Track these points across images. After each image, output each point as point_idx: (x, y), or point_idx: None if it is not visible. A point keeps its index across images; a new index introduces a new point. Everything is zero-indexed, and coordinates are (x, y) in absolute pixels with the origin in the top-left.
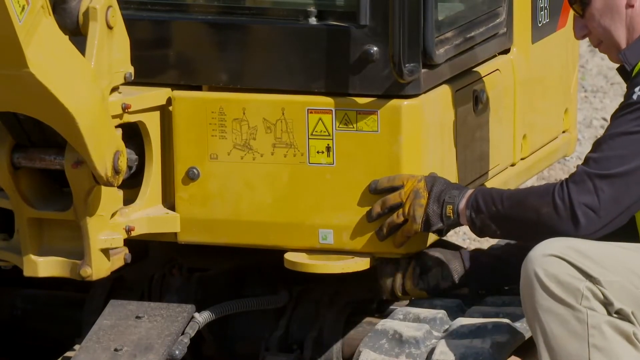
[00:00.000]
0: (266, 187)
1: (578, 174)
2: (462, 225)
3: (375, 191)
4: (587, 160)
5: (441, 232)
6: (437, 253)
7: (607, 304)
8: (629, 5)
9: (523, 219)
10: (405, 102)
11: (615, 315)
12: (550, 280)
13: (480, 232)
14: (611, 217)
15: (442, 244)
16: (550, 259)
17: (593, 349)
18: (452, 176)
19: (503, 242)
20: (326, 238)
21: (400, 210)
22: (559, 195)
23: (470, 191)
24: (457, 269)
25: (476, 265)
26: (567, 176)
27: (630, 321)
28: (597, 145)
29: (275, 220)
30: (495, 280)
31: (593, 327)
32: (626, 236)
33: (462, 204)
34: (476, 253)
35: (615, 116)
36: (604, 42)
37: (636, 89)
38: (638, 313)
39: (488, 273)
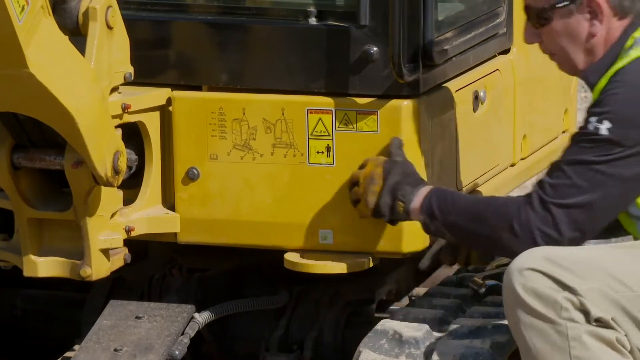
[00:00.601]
0: (266, 187)
1: (536, 202)
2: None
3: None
4: (543, 185)
5: (392, 223)
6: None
7: (586, 313)
8: (591, 35)
9: (481, 236)
10: (405, 102)
11: (595, 323)
12: (529, 295)
13: (433, 234)
14: (574, 242)
15: None
16: (528, 272)
17: None
18: (451, 176)
19: None
20: (326, 238)
21: (357, 190)
22: (518, 222)
23: (424, 190)
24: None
25: None
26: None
27: (611, 327)
28: (554, 169)
29: (275, 220)
30: None
31: (574, 339)
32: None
33: (416, 204)
34: None
35: (573, 140)
36: (557, 57)
37: (592, 119)
38: (620, 317)
39: None
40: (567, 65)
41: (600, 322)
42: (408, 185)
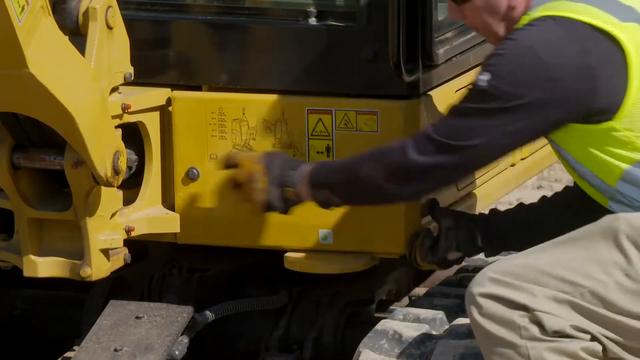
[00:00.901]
0: None
1: (420, 141)
2: (305, 201)
3: (222, 167)
4: (430, 125)
5: (287, 212)
6: (448, 222)
7: (543, 327)
8: (511, 8)
9: (368, 186)
10: (405, 102)
11: (555, 336)
12: (487, 321)
13: (325, 206)
14: (454, 178)
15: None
16: (480, 299)
17: None
18: None
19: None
20: (326, 238)
21: (242, 191)
22: (403, 163)
23: (306, 168)
24: (466, 237)
25: (489, 229)
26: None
27: (573, 337)
28: (444, 115)
29: (275, 220)
30: (508, 241)
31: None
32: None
33: (302, 184)
34: (490, 215)
35: (468, 89)
36: (481, 30)
37: (483, 75)
38: (581, 321)
39: (500, 235)
40: (491, 38)
41: (560, 334)
42: (290, 170)
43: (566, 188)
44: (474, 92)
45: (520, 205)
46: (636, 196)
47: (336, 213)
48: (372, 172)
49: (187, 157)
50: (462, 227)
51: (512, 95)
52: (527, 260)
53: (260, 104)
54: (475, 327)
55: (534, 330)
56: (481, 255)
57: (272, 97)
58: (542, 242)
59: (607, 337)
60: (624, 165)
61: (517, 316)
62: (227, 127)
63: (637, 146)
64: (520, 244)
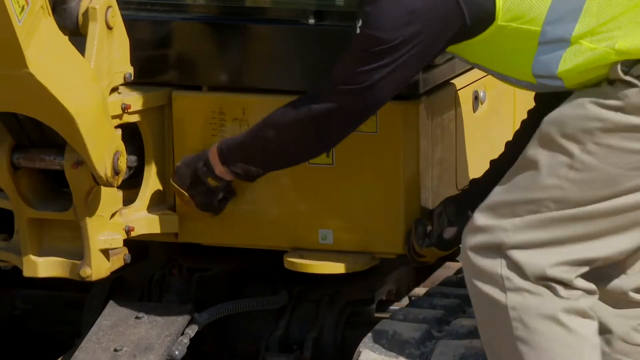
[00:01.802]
0: (266, 187)
1: (320, 87)
2: (231, 180)
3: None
4: (329, 76)
5: (226, 200)
6: (437, 209)
7: (525, 275)
8: None
9: (275, 148)
10: (404, 102)
11: (538, 283)
12: (475, 276)
13: (248, 178)
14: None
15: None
16: (469, 254)
17: (518, 342)
18: (451, 176)
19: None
20: (326, 238)
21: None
22: (303, 113)
23: (212, 150)
24: (455, 211)
25: (473, 197)
26: None
27: (555, 279)
28: (340, 60)
29: (275, 220)
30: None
31: (515, 320)
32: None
33: (216, 167)
34: (471, 184)
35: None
36: None
37: (358, 21)
38: (557, 251)
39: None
40: None
41: (541, 278)
42: (197, 163)
43: (522, 120)
44: (354, 39)
45: (492, 161)
46: (555, 85)
47: (336, 213)
48: (280, 134)
49: None
50: (449, 206)
51: (383, 38)
52: (493, 198)
53: (260, 103)
54: (469, 287)
55: (519, 280)
56: None
57: (272, 97)
58: None
59: (589, 258)
60: (530, 57)
61: (500, 266)
62: (227, 126)
63: (529, 33)
64: None
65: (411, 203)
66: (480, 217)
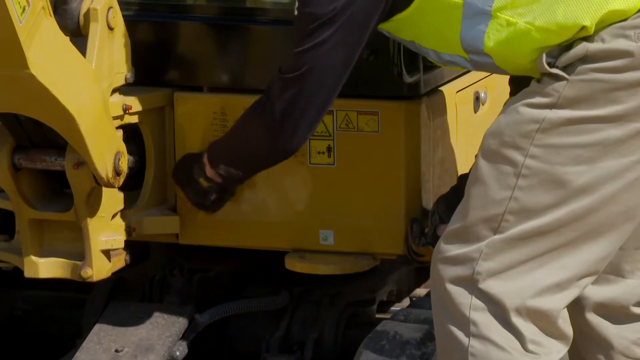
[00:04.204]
0: (267, 188)
1: (271, 84)
2: (223, 183)
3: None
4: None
5: (221, 200)
6: (432, 206)
7: (499, 307)
8: None
9: (247, 152)
10: (406, 103)
11: (518, 317)
12: (442, 309)
13: (235, 182)
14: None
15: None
16: (436, 284)
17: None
18: (452, 177)
19: None
20: (326, 239)
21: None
22: (264, 115)
23: (205, 153)
24: (446, 208)
25: (462, 192)
26: None
27: (539, 312)
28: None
29: (276, 220)
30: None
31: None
32: None
33: (206, 168)
34: (459, 180)
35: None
36: None
37: (296, 2)
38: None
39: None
40: None
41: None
42: (192, 161)
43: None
44: (294, 21)
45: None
46: (486, 62)
47: (337, 213)
48: (247, 137)
49: None
50: (440, 203)
51: (319, 12)
52: (454, 224)
53: None
54: (434, 313)
55: (484, 329)
56: None
57: None
58: None
59: (567, 278)
60: (457, 31)
61: (467, 307)
62: (229, 127)
63: (451, 5)
64: None
65: (412, 203)
66: (446, 247)
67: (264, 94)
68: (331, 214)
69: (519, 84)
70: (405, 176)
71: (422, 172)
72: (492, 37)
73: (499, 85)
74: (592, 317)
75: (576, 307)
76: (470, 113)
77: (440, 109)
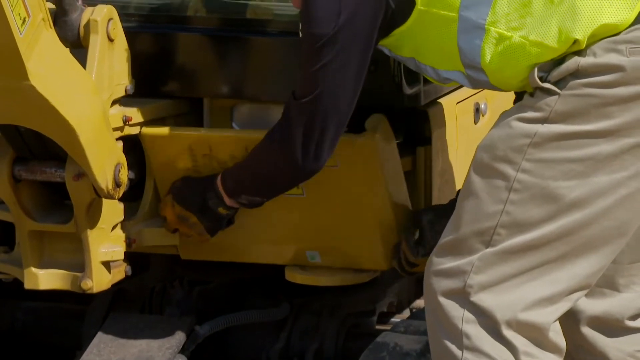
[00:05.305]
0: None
1: (286, 108)
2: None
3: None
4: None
5: (230, 223)
6: (429, 216)
7: (490, 320)
8: None
9: (266, 178)
10: (360, 137)
11: (510, 330)
12: (436, 322)
13: (253, 206)
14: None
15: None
16: (430, 298)
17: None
18: (453, 188)
19: None
20: (314, 258)
21: (184, 233)
22: (282, 141)
23: (217, 182)
24: (447, 220)
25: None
26: None
27: (530, 325)
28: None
29: (268, 240)
30: None
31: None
32: None
33: (224, 197)
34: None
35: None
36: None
37: (300, 25)
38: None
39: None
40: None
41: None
42: (209, 191)
43: None
44: (301, 42)
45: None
46: (482, 80)
47: (316, 237)
48: (267, 165)
49: None
50: (440, 215)
51: (321, 32)
52: (446, 237)
53: None
54: (428, 327)
55: (477, 342)
56: None
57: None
58: None
59: (559, 291)
60: (455, 45)
61: (460, 320)
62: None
63: (448, 19)
64: None
65: (386, 226)
66: (438, 260)
67: (281, 121)
68: (311, 238)
69: (521, 94)
70: (370, 204)
71: (390, 193)
72: (488, 51)
73: (499, 96)
74: (587, 331)
75: (571, 321)
76: (470, 124)
77: (440, 121)
